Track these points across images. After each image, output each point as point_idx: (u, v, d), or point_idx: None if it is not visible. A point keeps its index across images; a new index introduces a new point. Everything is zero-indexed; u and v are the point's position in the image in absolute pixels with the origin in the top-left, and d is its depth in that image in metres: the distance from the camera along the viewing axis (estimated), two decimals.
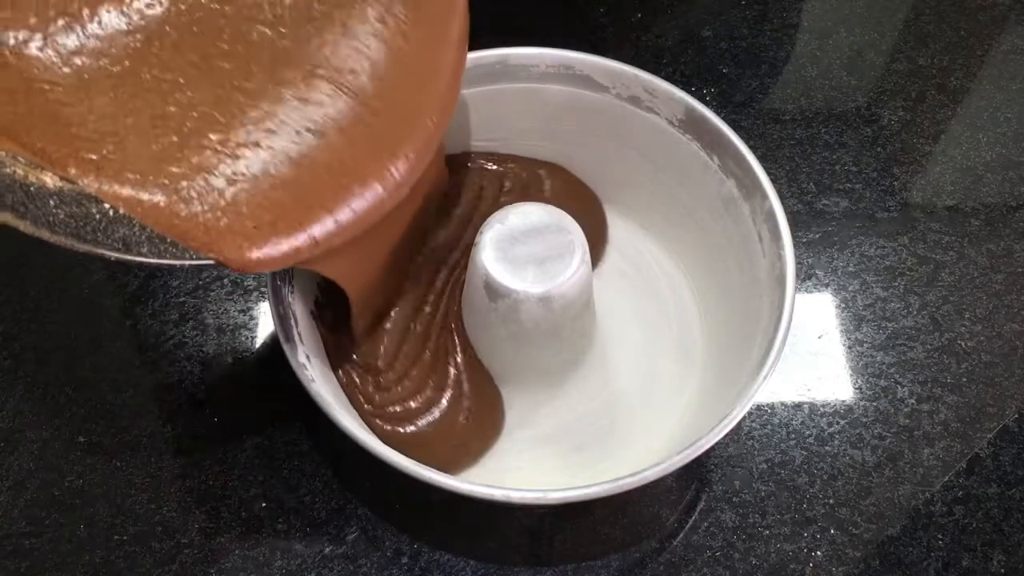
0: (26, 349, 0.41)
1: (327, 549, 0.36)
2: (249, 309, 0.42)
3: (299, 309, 0.35)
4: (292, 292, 0.35)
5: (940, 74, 0.52)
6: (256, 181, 0.29)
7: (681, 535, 0.37)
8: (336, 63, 0.31)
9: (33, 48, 0.27)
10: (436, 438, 0.36)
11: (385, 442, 0.32)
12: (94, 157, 0.27)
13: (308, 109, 0.30)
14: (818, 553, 0.36)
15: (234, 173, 0.29)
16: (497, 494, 0.31)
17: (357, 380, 0.36)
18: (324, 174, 0.30)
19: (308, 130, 0.30)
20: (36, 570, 0.35)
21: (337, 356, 0.37)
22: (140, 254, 0.27)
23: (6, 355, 0.40)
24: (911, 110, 0.50)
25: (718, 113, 0.38)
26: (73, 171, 0.26)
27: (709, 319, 0.40)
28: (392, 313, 0.38)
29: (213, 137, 0.29)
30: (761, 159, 0.37)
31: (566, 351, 0.38)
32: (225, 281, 0.43)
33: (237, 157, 0.29)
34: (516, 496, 0.31)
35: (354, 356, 0.37)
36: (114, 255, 0.27)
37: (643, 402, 0.39)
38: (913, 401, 0.40)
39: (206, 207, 0.28)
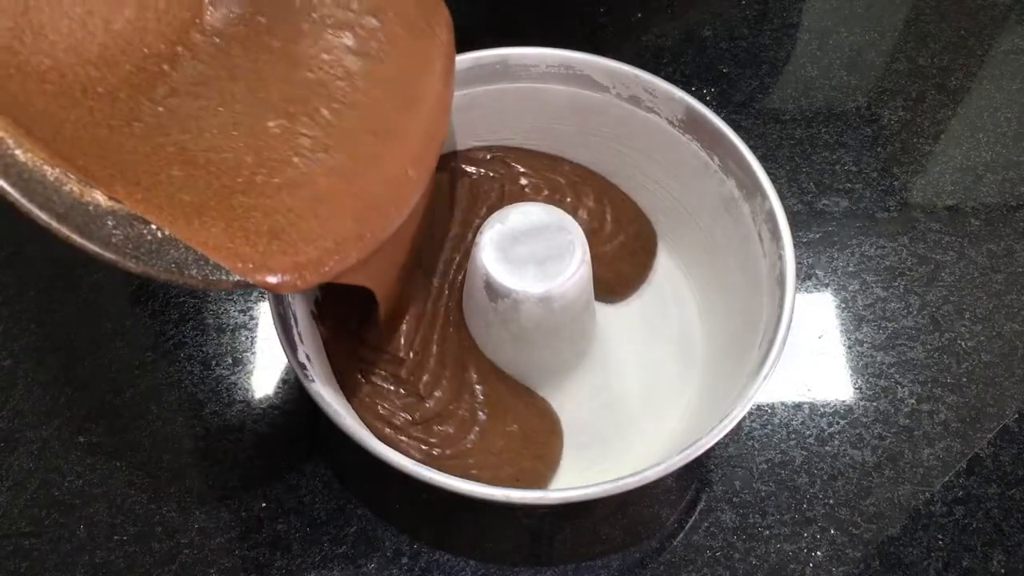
0: (26, 349, 0.41)
1: (327, 549, 0.36)
2: (249, 309, 0.42)
3: (299, 309, 0.35)
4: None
5: (940, 74, 0.52)
6: (292, 205, 0.29)
7: (681, 535, 0.37)
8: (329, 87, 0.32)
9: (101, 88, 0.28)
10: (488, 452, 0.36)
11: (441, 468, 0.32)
12: (140, 179, 0.27)
13: (328, 132, 0.31)
14: (818, 553, 0.36)
15: (273, 199, 0.29)
16: (497, 494, 0.31)
17: (388, 387, 0.36)
18: (349, 191, 0.31)
19: (328, 151, 0.31)
20: (36, 570, 0.35)
21: (350, 367, 0.37)
22: (190, 276, 0.27)
23: (6, 355, 0.40)
24: (911, 110, 0.50)
25: (718, 113, 0.38)
26: (120, 191, 0.26)
27: (709, 319, 0.40)
28: (409, 309, 0.38)
29: (250, 167, 0.30)
30: (761, 159, 0.37)
31: (566, 351, 0.38)
32: None
33: (275, 186, 0.30)
34: (516, 496, 0.31)
35: (375, 365, 0.37)
36: (166, 277, 0.27)
37: (643, 402, 0.39)
38: (913, 401, 0.40)
39: (250, 232, 0.28)
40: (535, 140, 0.42)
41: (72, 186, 0.26)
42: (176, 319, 0.41)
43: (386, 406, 0.36)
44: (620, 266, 0.41)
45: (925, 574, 0.36)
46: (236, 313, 0.42)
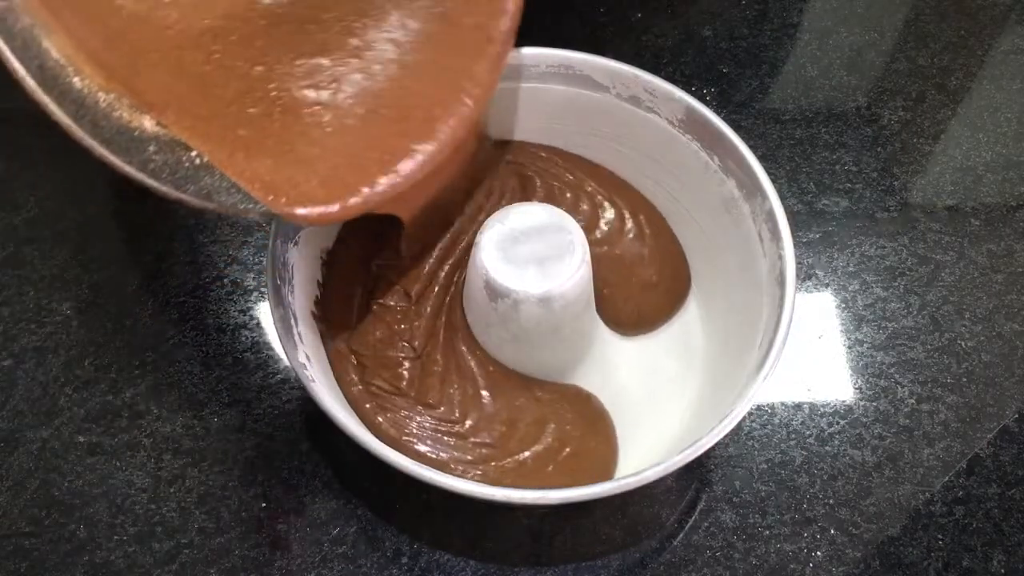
0: (26, 349, 0.41)
1: (327, 549, 0.36)
2: (249, 309, 0.42)
3: (299, 309, 0.35)
4: (292, 292, 0.35)
5: (940, 74, 0.52)
6: (328, 140, 0.32)
7: (681, 535, 0.37)
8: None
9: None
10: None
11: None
12: (191, 106, 0.30)
13: (370, 64, 0.33)
14: (818, 553, 0.36)
15: (310, 133, 0.32)
16: (497, 494, 0.31)
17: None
18: (393, 123, 0.33)
19: (373, 81, 0.33)
20: (36, 570, 0.35)
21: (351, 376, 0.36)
22: (219, 202, 0.29)
23: (6, 355, 0.40)
24: (911, 110, 0.50)
25: (718, 113, 0.38)
26: (170, 117, 0.29)
27: (709, 319, 0.40)
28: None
29: (290, 96, 0.32)
30: (761, 159, 0.37)
31: (566, 351, 0.38)
32: (225, 281, 0.43)
33: (315, 117, 0.32)
34: (516, 496, 0.31)
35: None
36: (197, 202, 0.29)
37: (643, 402, 0.39)
38: (913, 401, 0.40)
39: (283, 163, 0.31)
40: (535, 140, 0.42)
41: (122, 112, 0.28)
42: (176, 319, 0.41)
43: (399, 417, 0.36)
44: (647, 298, 0.40)
45: (925, 574, 0.36)
46: (236, 313, 0.42)
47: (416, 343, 0.37)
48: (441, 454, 0.35)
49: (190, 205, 0.29)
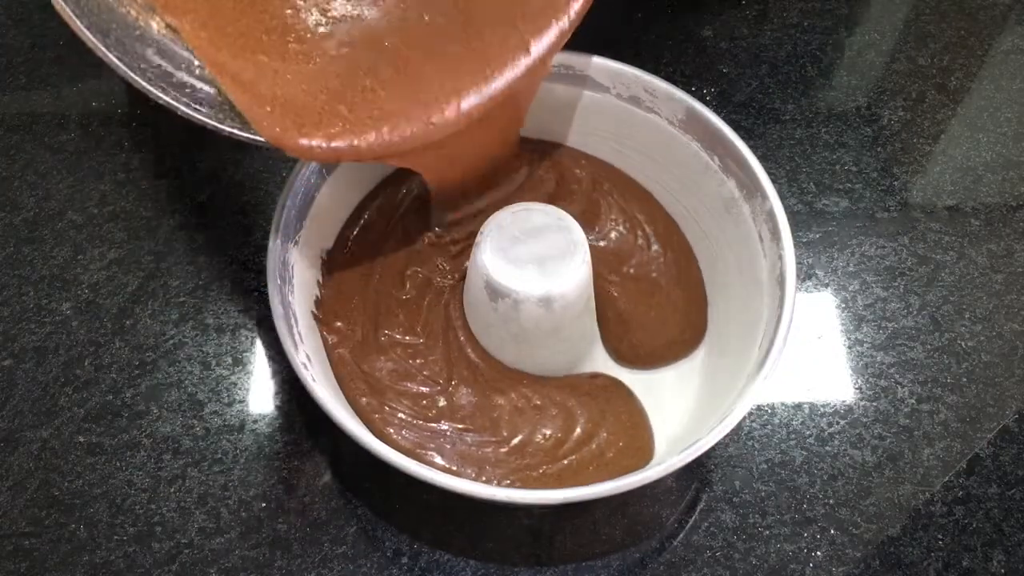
0: (26, 349, 0.41)
1: (327, 549, 0.36)
2: (249, 309, 0.42)
3: (299, 309, 0.35)
4: (292, 292, 0.35)
5: (940, 74, 0.52)
6: (324, 80, 0.32)
7: (681, 535, 0.37)
8: None
9: None
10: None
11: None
12: (215, 20, 0.30)
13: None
14: (818, 553, 0.36)
15: (329, 69, 0.33)
16: (498, 494, 0.31)
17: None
18: (439, 71, 0.34)
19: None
20: (36, 570, 0.35)
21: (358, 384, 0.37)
22: (208, 116, 0.30)
23: (6, 355, 0.40)
24: (911, 110, 0.50)
25: (718, 113, 0.38)
26: (186, 26, 0.30)
27: (710, 319, 0.40)
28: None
29: (304, 27, 0.33)
30: (761, 159, 0.37)
31: (567, 351, 0.38)
32: (225, 281, 0.43)
33: (320, 53, 0.33)
34: (516, 496, 0.31)
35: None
36: (184, 110, 0.30)
37: (643, 402, 0.39)
38: (913, 401, 0.40)
39: (278, 91, 0.31)
40: (536, 138, 0.42)
41: (131, 8, 0.29)
42: (176, 319, 0.41)
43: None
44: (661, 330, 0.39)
45: (925, 574, 0.36)
46: (236, 313, 0.42)
47: (439, 377, 0.37)
48: (481, 468, 0.35)
49: (176, 111, 0.29)
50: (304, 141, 0.32)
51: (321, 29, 0.33)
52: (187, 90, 0.30)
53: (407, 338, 0.37)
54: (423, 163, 0.36)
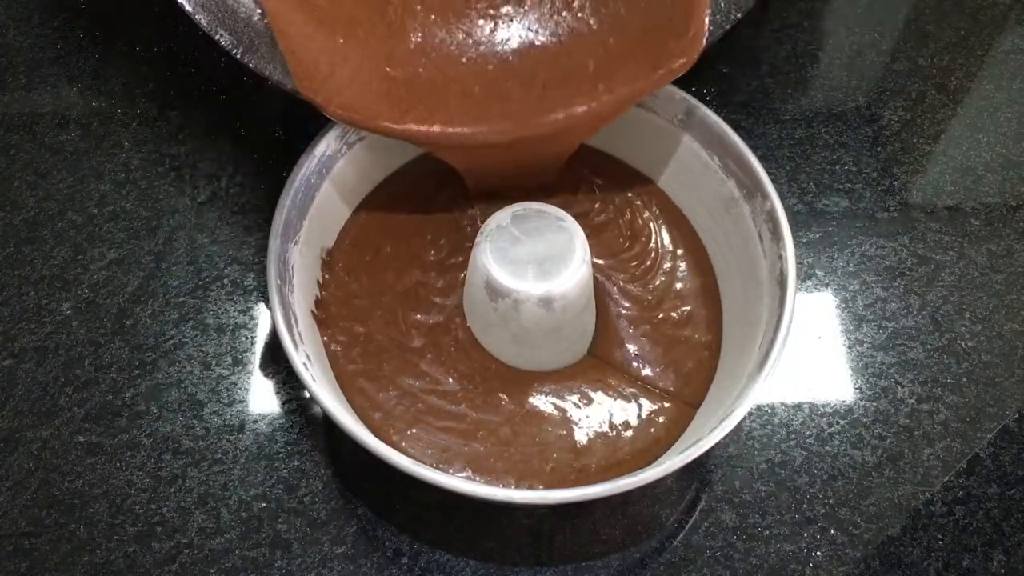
0: (26, 349, 0.41)
1: (327, 549, 0.36)
2: (249, 309, 0.42)
3: (299, 309, 0.35)
4: (292, 292, 0.35)
5: (940, 74, 0.52)
6: (376, 60, 0.34)
7: (681, 535, 0.37)
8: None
9: None
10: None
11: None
12: None
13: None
14: (818, 553, 0.36)
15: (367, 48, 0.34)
16: (498, 494, 0.31)
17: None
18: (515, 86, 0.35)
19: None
20: (36, 570, 0.35)
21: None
22: (252, 56, 0.32)
23: (6, 355, 0.40)
24: (911, 110, 0.50)
25: (718, 113, 0.38)
26: None
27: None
28: None
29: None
30: (761, 159, 0.37)
31: (566, 351, 0.38)
32: (225, 281, 0.43)
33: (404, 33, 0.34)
34: (516, 496, 0.31)
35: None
36: (229, 46, 0.32)
37: None
38: (913, 401, 0.40)
39: (330, 58, 0.33)
40: None
41: None
42: (176, 319, 0.41)
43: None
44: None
45: (925, 574, 0.36)
46: (236, 313, 0.42)
47: (440, 376, 0.37)
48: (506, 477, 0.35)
49: (219, 43, 0.30)
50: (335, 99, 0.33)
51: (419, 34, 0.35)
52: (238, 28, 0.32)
53: (407, 338, 0.37)
54: (456, 160, 0.37)
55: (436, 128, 0.34)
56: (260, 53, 0.33)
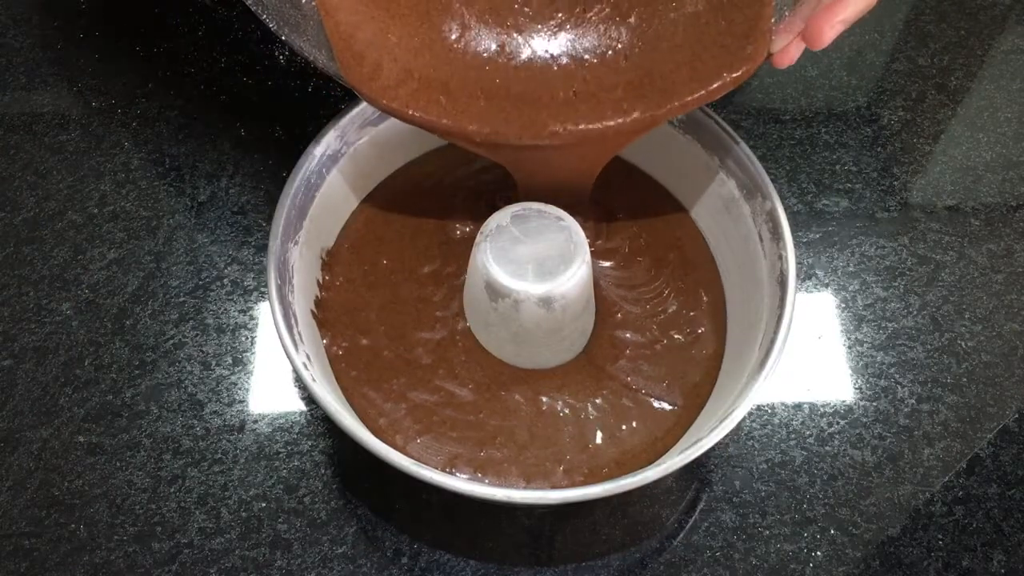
0: (26, 349, 0.41)
1: (327, 549, 0.36)
2: (249, 309, 0.42)
3: (299, 309, 0.35)
4: (292, 292, 0.35)
5: (940, 74, 0.52)
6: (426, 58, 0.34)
7: (681, 535, 0.37)
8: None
9: None
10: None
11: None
12: None
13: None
14: (818, 553, 0.36)
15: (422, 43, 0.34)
16: (498, 494, 0.31)
17: None
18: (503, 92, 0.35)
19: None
20: (36, 570, 0.35)
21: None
22: (297, 36, 0.32)
23: (6, 355, 0.40)
24: (911, 110, 0.50)
25: (718, 113, 0.38)
26: None
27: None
28: None
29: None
30: (761, 159, 0.37)
31: (566, 350, 0.38)
32: (225, 281, 0.43)
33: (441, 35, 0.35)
34: (516, 496, 0.31)
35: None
36: (281, 33, 0.32)
37: None
38: (913, 401, 0.40)
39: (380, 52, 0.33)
40: None
41: None
42: (176, 319, 0.41)
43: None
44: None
45: (925, 574, 0.36)
46: (236, 313, 0.42)
47: (440, 376, 0.37)
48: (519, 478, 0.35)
49: (269, 23, 0.31)
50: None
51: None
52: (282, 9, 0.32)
53: (415, 355, 0.37)
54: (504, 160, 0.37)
55: (473, 127, 0.35)
56: (307, 36, 0.33)
